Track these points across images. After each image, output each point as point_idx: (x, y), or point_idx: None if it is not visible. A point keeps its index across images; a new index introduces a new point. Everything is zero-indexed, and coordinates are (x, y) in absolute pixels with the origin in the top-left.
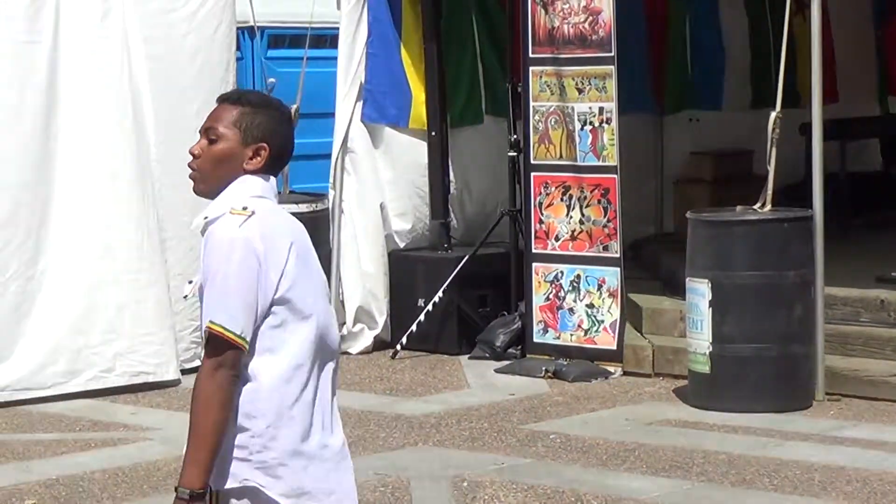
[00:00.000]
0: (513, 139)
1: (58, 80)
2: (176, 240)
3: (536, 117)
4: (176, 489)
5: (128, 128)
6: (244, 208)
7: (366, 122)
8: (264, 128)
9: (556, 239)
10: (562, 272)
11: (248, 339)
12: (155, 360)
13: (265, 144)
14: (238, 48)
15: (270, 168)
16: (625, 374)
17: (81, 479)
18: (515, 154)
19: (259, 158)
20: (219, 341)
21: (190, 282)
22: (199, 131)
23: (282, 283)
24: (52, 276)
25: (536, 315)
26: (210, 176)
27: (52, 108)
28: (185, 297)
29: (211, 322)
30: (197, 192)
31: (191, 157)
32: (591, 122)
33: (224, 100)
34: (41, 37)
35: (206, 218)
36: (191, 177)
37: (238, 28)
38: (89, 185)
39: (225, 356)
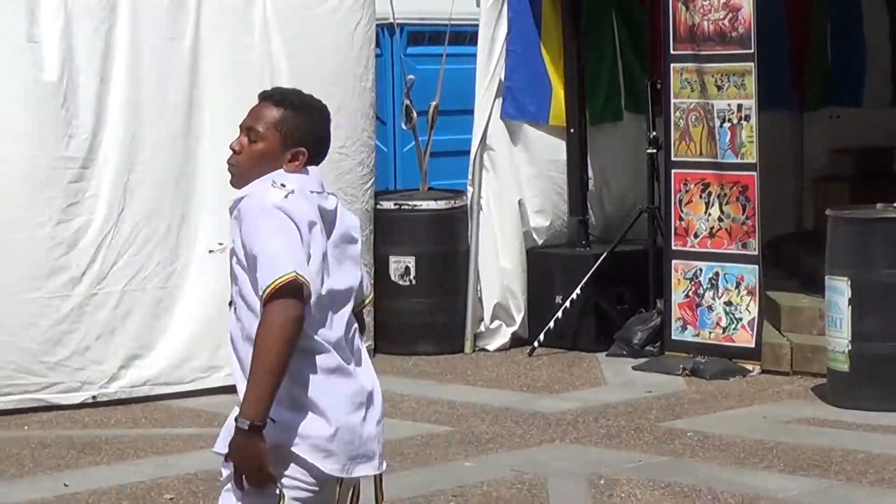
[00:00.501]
0: (651, 136)
1: (198, 77)
2: None
3: (677, 114)
4: (237, 421)
5: None
6: (283, 185)
7: (505, 119)
8: (304, 131)
9: (695, 236)
10: (700, 269)
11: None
12: None
13: (304, 149)
14: (377, 45)
15: (310, 166)
16: (763, 372)
17: (220, 474)
18: (654, 151)
19: (297, 162)
20: (291, 286)
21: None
22: (241, 127)
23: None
24: (193, 272)
25: (675, 312)
26: (249, 173)
27: (194, 105)
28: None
29: (280, 276)
30: (234, 185)
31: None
32: (730, 120)
33: (266, 98)
34: (183, 34)
35: (240, 197)
36: (230, 170)
37: (377, 25)
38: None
39: (296, 297)
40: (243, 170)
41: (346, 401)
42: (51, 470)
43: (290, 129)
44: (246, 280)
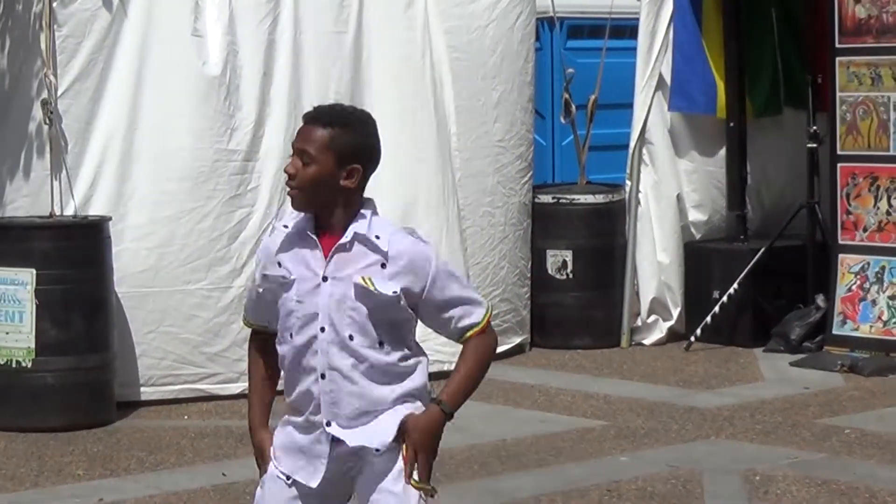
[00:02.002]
0: (812, 131)
1: (360, 71)
2: (475, 229)
3: (844, 108)
4: (440, 403)
5: (430, 116)
6: (414, 231)
7: (672, 113)
8: (354, 146)
9: (864, 230)
10: (868, 263)
11: None
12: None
13: (358, 166)
14: (537, 39)
15: (368, 177)
16: None
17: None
18: (814, 146)
19: (353, 179)
20: (487, 321)
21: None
22: (293, 147)
23: None
24: None
25: (837, 306)
26: (310, 196)
27: (355, 98)
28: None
29: (484, 314)
30: (295, 207)
31: (287, 176)
32: None
33: (313, 120)
34: (346, 28)
35: (377, 236)
36: (290, 194)
37: (538, 19)
38: (393, 171)
39: (491, 326)
40: (305, 193)
41: None
42: (209, 459)
43: (341, 148)
44: (388, 321)
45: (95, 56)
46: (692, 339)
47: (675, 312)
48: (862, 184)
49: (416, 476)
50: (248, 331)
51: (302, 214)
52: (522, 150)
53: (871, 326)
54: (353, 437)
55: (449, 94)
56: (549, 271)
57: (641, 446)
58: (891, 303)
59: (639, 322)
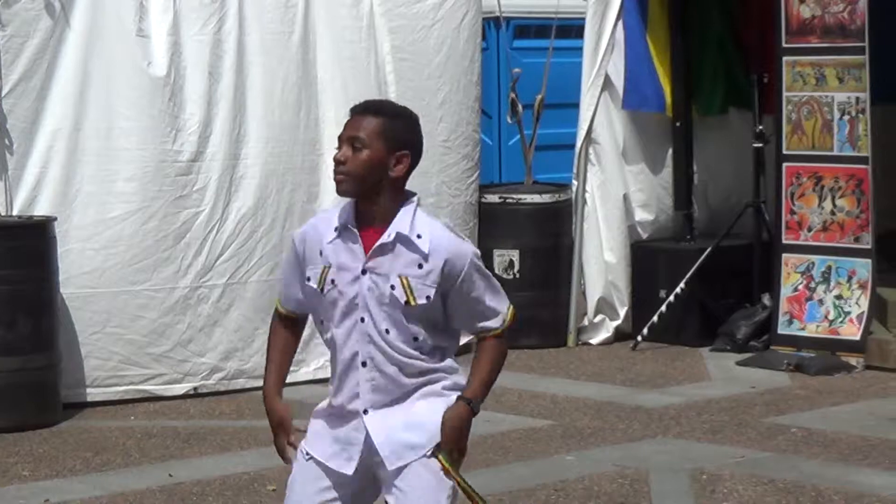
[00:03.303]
0: (758, 130)
1: (307, 72)
2: None
3: (789, 107)
4: (469, 401)
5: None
6: (451, 227)
7: (628, 110)
8: (404, 135)
9: (809, 230)
10: (813, 263)
11: None
12: None
13: (407, 152)
14: (484, 39)
15: (411, 171)
16: (868, 368)
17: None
18: (760, 145)
19: (402, 166)
20: (506, 328)
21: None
22: (340, 139)
23: None
24: None
25: (783, 306)
26: (360, 181)
27: (302, 99)
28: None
29: (504, 317)
30: (342, 192)
31: (335, 164)
32: (848, 112)
33: (363, 110)
34: (291, 28)
35: (419, 235)
36: (337, 180)
37: (484, 18)
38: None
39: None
40: (355, 178)
41: None
42: (156, 460)
43: (392, 135)
44: (424, 319)
45: (40, 56)
46: (639, 338)
47: (622, 312)
48: (806, 183)
49: (451, 468)
50: (193, 332)
51: (343, 205)
52: (468, 150)
53: (817, 326)
54: (389, 438)
55: (394, 94)
56: (496, 271)
57: (589, 446)
58: (837, 302)
59: (586, 322)
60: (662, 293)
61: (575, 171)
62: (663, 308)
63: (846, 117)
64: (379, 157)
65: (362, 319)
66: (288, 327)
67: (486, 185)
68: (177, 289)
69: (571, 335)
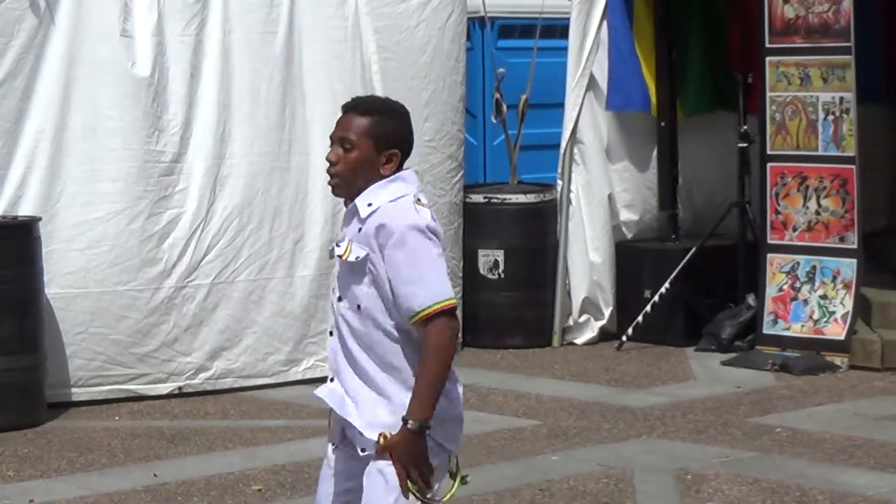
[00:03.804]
0: (742, 130)
1: (291, 71)
2: None
3: (773, 107)
4: (406, 422)
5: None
6: (419, 201)
7: (612, 110)
8: (393, 133)
9: (794, 230)
10: (798, 263)
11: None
12: None
13: (397, 151)
14: (468, 39)
15: (401, 166)
16: (852, 367)
17: (307, 465)
18: (745, 145)
19: (392, 164)
20: (451, 309)
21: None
22: (332, 138)
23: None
24: (283, 266)
25: (768, 306)
26: (351, 181)
27: (286, 99)
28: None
29: (443, 301)
30: (337, 195)
31: (328, 164)
32: (833, 112)
33: (352, 108)
34: (275, 28)
35: (370, 205)
36: (331, 182)
37: (469, 18)
38: (324, 173)
39: (452, 317)
40: (345, 179)
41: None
42: (140, 460)
43: (380, 134)
44: (374, 294)
45: (24, 56)
46: (624, 338)
47: (607, 312)
48: (791, 183)
49: (412, 487)
50: (179, 332)
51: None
52: (453, 150)
53: (802, 326)
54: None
55: (379, 94)
56: (481, 271)
57: (573, 446)
58: (822, 302)
59: (570, 322)
60: (647, 293)
61: (560, 171)
62: (648, 308)
63: (830, 117)
64: (368, 157)
65: (333, 290)
66: None
67: (470, 184)
68: (161, 289)
69: (556, 335)
